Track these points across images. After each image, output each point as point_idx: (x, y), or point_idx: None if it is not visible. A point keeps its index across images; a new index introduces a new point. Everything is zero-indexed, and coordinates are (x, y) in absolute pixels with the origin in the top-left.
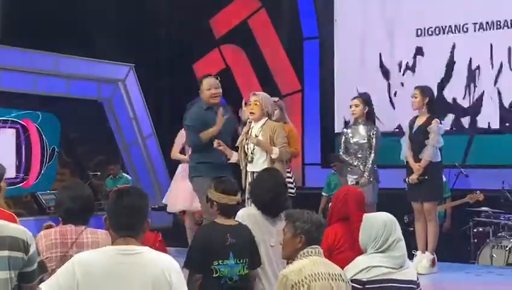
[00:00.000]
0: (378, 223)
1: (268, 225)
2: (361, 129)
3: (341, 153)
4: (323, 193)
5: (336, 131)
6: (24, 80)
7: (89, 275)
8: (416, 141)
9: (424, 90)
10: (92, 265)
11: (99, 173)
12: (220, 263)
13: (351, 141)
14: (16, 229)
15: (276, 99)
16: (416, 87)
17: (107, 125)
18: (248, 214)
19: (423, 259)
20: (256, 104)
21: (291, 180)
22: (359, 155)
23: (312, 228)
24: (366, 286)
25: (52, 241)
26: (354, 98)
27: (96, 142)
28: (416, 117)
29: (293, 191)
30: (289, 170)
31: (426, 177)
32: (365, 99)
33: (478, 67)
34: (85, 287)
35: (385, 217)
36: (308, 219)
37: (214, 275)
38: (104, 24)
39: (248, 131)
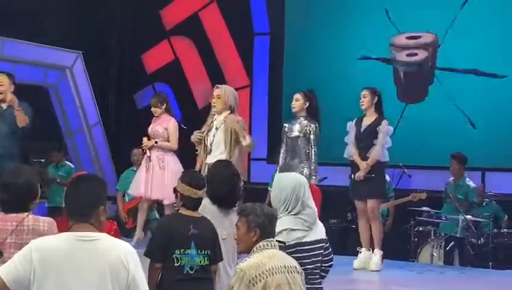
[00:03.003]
0: (287, 185)
1: (222, 217)
2: (300, 124)
3: (282, 147)
4: (269, 188)
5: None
6: None
7: (46, 261)
8: (365, 140)
9: (373, 90)
10: (49, 251)
11: (43, 160)
12: (182, 252)
13: (289, 136)
14: None
15: None
16: (365, 88)
17: (52, 112)
18: (203, 206)
19: (375, 255)
20: (219, 98)
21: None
22: (296, 150)
23: (266, 221)
24: (286, 251)
25: None
26: (297, 92)
27: (40, 128)
28: (362, 117)
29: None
30: None
31: (373, 175)
32: (307, 94)
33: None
34: (42, 273)
35: (294, 179)
36: (261, 213)
37: (176, 264)
38: (53, 10)
39: (211, 123)
